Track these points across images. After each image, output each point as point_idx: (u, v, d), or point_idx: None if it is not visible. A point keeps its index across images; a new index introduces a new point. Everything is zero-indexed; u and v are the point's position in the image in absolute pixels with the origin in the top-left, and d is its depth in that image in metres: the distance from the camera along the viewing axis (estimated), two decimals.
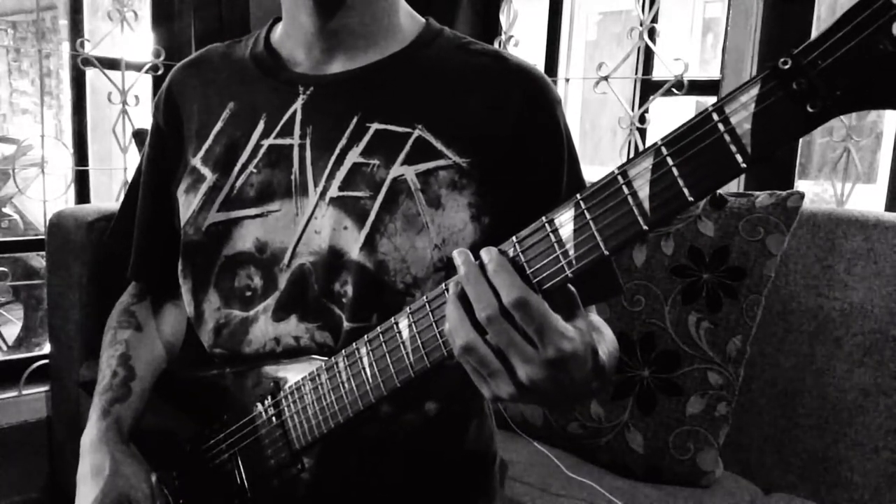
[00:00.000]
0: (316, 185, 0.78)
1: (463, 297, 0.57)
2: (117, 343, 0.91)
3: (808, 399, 1.28)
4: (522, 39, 2.05)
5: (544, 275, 0.56)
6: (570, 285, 0.58)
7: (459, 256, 0.57)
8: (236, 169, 0.82)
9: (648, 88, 1.86)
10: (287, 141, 0.80)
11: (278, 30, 0.88)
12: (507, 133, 0.78)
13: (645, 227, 0.52)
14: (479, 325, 0.56)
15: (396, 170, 0.76)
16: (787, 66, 0.46)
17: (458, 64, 0.81)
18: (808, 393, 1.29)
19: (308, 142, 0.79)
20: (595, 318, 0.80)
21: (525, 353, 0.55)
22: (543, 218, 0.56)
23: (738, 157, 0.48)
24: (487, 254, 0.57)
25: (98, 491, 0.78)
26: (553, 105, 0.81)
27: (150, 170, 0.92)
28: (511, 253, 0.57)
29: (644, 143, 1.85)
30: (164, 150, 0.89)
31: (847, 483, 1.24)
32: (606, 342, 0.70)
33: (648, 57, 1.88)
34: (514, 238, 0.57)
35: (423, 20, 0.86)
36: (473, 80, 0.80)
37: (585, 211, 0.54)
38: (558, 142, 0.81)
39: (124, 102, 1.99)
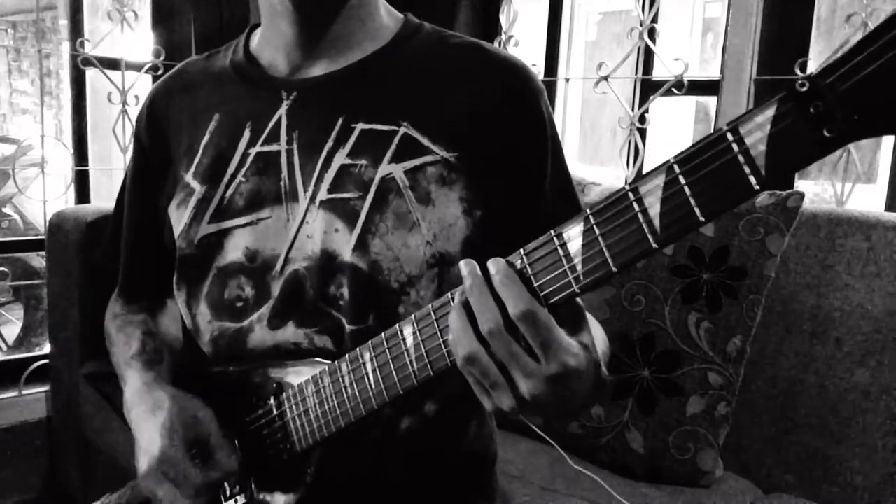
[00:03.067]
0: (305, 190, 0.78)
1: (467, 308, 0.56)
2: (132, 323, 0.91)
3: (808, 399, 1.28)
4: (522, 39, 2.05)
5: (551, 289, 0.56)
6: (579, 300, 0.57)
7: (466, 266, 0.57)
8: (225, 179, 0.81)
9: (648, 88, 1.86)
10: (274, 147, 0.80)
11: (257, 36, 0.87)
12: (491, 125, 0.77)
13: (654, 246, 0.51)
14: (482, 337, 0.55)
15: (384, 168, 0.76)
16: (804, 89, 0.45)
17: (439, 58, 0.81)
18: (808, 393, 1.28)
19: (295, 147, 0.79)
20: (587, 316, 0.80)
21: (527, 367, 0.55)
22: (552, 231, 0.55)
23: (752, 179, 0.47)
24: (495, 265, 0.56)
25: (164, 417, 0.75)
26: (535, 95, 0.80)
27: (134, 187, 0.92)
28: (518, 265, 0.57)
29: (644, 143, 1.85)
30: (147, 166, 0.89)
31: (847, 483, 1.24)
32: (600, 343, 0.70)
33: (648, 57, 1.88)
34: (521, 250, 0.57)
35: (401, 16, 0.86)
36: (455, 74, 0.80)
37: (595, 226, 0.53)
38: (541, 132, 0.80)
39: (124, 102, 1.98)
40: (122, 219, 0.94)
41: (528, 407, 0.56)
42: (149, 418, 0.77)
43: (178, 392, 0.79)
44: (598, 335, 0.72)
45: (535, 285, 0.56)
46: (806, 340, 1.29)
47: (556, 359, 0.54)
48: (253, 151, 0.80)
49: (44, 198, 1.92)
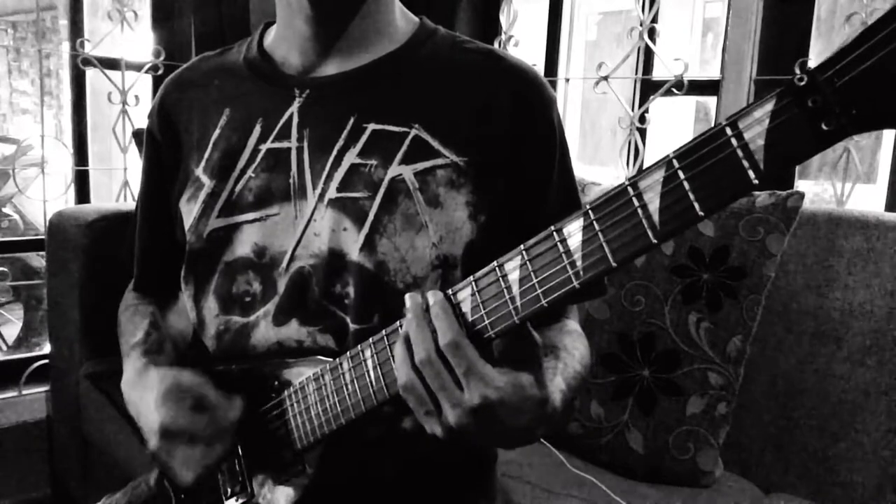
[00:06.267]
0: (314, 188, 0.78)
1: (407, 339, 0.60)
2: (141, 314, 0.91)
3: (808, 399, 1.28)
4: (522, 39, 2.05)
5: (551, 284, 0.56)
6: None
7: (409, 299, 0.60)
8: (235, 174, 0.81)
9: (648, 88, 1.86)
10: (285, 144, 0.80)
11: (271, 33, 0.88)
12: (501, 132, 0.78)
13: (654, 241, 0.51)
14: (417, 367, 0.59)
15: (394, 169, 0.76)
16: (802, 83, 0.45)
17: (453, 63, 0.81)
18: (808, 393, 1.28)
19: (305, 144, 0.79)
20: (572, 326, 0.81)
21: (453, 398, 0.58)
22: (552, 227, 0.56)
23: (751, 173, 0.47)
24: (433, 296, 0.60)
25: (156, 393, 0.75)
26: (547, 104, 0.81)
27: (147, 181, 0.92)
28: (518, 261, 0.57)
29: (644, 143, 1.85)
30: (159, 160, 0.89)
31: (847, 483, 1.24)
32: (570, 368, 0.71)
33: (648, 57, 1.88)
34: (521, 246, 0.57)
35: (416, 19, 0.86)
36: (468, 79, 0.80)
37: (595, 221, 0.53)
38: (550, 142, 0.81)
39: (124, 102, 1.99)
40: None
41: (457, 435, 0.60)
42: (144, 400, 0.77)
43: (166, 369, 0.79)
44: (571, 364, 0.72)
45: (535, 281, 0.56)
46: (806, 340, 1.29)
47: (476, 391, 0.57)
48: (263, 148, 0.81)
49: (44, 198, 1.92)
